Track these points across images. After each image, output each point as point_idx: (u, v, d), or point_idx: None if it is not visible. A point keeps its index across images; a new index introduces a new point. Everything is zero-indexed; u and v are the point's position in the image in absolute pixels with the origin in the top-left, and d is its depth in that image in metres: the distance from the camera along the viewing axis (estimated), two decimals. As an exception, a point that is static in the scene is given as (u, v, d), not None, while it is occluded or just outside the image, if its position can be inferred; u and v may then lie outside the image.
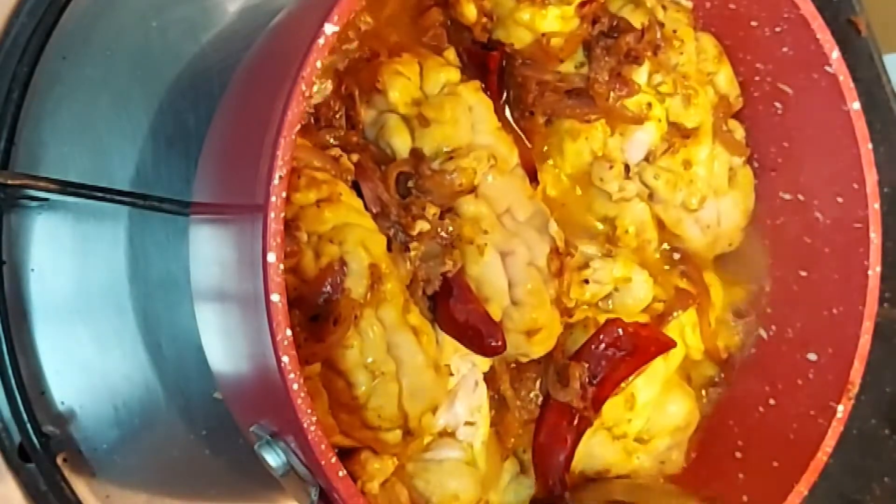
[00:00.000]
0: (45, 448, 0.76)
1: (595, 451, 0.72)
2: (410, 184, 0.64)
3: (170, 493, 0.81)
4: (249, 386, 0.61)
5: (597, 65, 0.69)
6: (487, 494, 0.69)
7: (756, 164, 0.76)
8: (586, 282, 0.71)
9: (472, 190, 0.64)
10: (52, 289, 0.78)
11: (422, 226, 0.62)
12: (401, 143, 0.64)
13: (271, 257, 0.48)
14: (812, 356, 0.71)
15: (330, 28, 0.49)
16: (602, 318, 0.70)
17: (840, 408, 0.67)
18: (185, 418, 0.81)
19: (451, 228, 0.63)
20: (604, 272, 0.71)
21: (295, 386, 0.48)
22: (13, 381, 0.75)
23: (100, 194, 0.76)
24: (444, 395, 0.63)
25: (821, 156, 0.71)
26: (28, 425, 0.75)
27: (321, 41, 0.49)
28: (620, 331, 0.69)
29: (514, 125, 0.71)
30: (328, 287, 0.57)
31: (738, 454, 0.73)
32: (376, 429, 0.59)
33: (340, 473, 0.50)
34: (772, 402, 0.73)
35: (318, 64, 0.49)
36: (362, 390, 0.57)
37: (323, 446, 0.49)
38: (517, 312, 0.65)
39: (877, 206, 0.68)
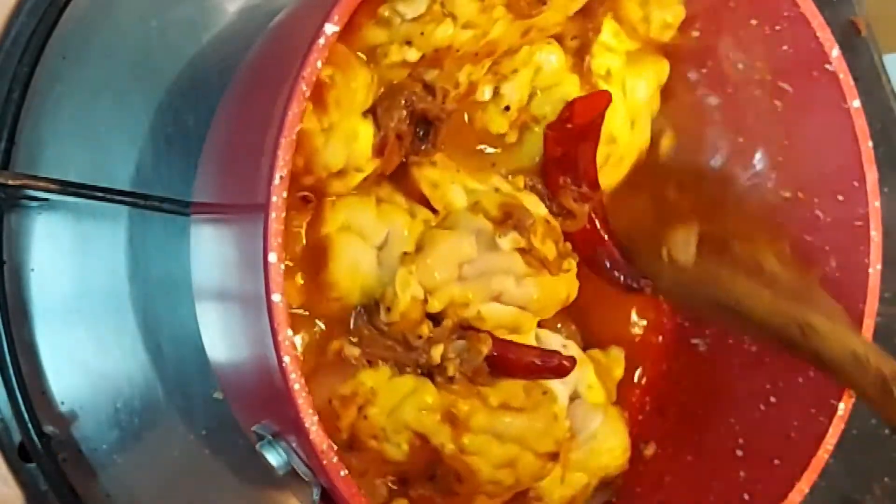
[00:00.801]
0: (45, 448, 0.76)
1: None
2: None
3: (170, 492, 0.81)
4: (251, 386, 0.61)
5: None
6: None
7: (756, 163, 0.76)
8: (507, 108, 0.68)
9: (426, 300, 0.62)
10: (52, 289, 0.78)
11: (437, 351, 0.62)
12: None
13: (272, 257, 0.48)
14: (812, 354, 0.71)
15: (330, 28, 0.49)
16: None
17: (841, 406, 0.66)
18: (185, 418, 0.81)
19: (458, 319, 0.63)
20: (514, 87, 0.68)
21: (296, 386, 0.48)
22: (14, 381, 0.75)
23: (100, 194, 0.76)
24: (564, 424, 0.67)
25: (821, 154, 0.71)
26: (28, 425, 0.75)
27: (321, 41, 0.49)
28: (553, 136, 0.68)
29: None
30: (421, 466, 0.61)
31: (739, 452, 0.72)
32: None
33: (342, 473, 0.50)
34: (773, 399, 0.72)
35: (319, 64, 0.49)
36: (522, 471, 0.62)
37: (325, 446, 0.49)
38: (542, 314, 0.67)
39: (877, 203, 0.68)
